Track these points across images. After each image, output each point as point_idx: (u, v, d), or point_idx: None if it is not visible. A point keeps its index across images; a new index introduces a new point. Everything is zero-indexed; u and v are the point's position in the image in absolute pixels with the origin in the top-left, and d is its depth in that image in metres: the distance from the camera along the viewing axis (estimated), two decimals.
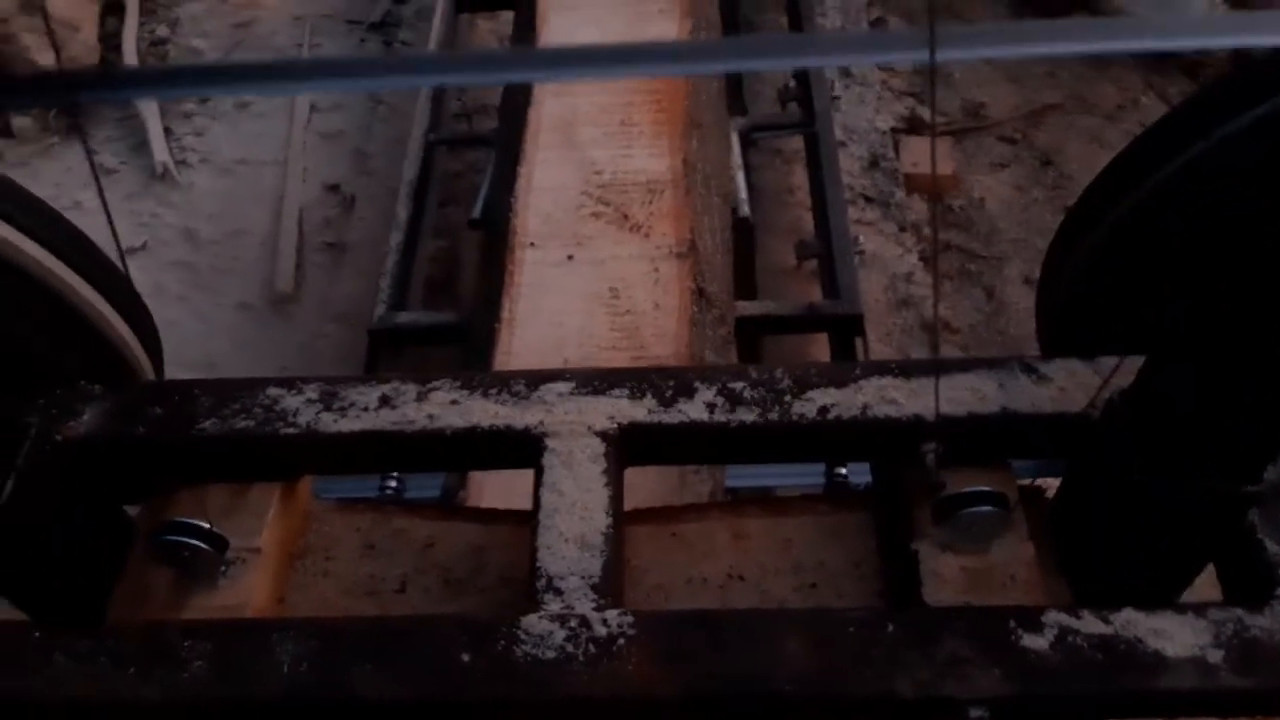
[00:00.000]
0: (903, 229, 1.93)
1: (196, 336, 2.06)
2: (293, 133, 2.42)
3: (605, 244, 1.47)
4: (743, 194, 1.79)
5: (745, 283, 1.78)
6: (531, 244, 1.48)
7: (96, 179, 0.86)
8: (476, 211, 1.77)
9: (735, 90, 2.09)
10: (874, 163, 2.03)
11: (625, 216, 1.50)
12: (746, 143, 1.93)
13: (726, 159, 1.81)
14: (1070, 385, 0.93)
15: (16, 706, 0.84)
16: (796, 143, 2.05)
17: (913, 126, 2.17)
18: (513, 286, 1.42)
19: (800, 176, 1.99)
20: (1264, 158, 0.88)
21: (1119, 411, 0.87)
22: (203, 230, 2.30)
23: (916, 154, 2.09)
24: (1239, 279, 0.76)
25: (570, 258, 1.45)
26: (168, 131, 2.53)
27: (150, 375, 1.09)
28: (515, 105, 1.72)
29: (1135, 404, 0.86)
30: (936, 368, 0.92)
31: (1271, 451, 0.84)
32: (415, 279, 1.86)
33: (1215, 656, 0.78)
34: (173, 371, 1.24)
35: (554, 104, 1.68)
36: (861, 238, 1.89)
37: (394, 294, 1.78)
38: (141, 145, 2.48)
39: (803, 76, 1.95)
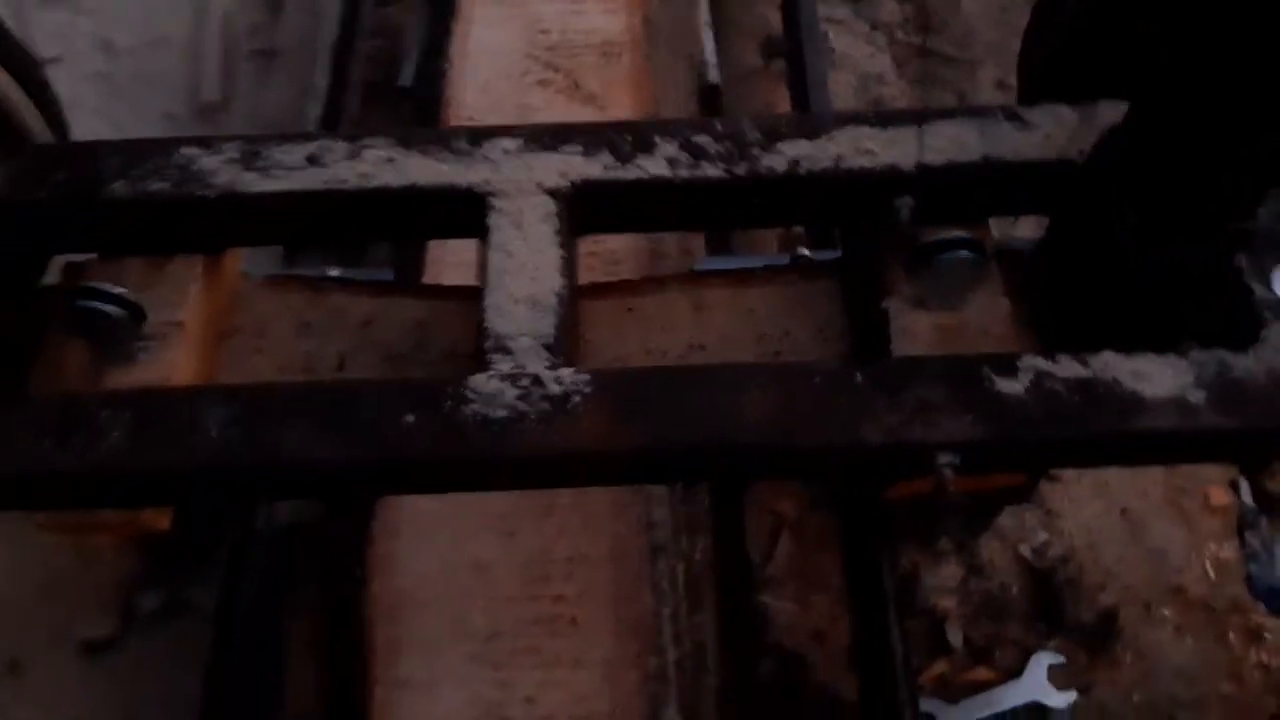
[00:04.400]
0: (874, 27, 1.82)
1: None
2: None
3: (553, 116, 1.26)
4: (711, 57, 1.58)
5: None
6: (470, 118, 1.27)
7: None
8: (406, 79, 1.55)
9: None
10: None
11: (576, 85, 1.30)
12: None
13: (691, 14, 1.61)
14: (1057, 132, 0.87)
15: None
16: None
17: None
18: None
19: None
20: None
21: (1108, 153, 0.82)
22: (120, 39, 2.11)
23: None
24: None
25: None
26: None
27: (44, 132, 0.98)
28: None
29: (1124, 145, 0.80)
30: (919, 117, 0.85)
31: (1264, 190, 0.79)
32: None
33: (1197, 397, 0.75)
34: None
35: None
36: (831, 35, 1.78)
37: None
38: None
39: None
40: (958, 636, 1.27)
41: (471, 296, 0.92)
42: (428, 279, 1.23)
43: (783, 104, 1.77)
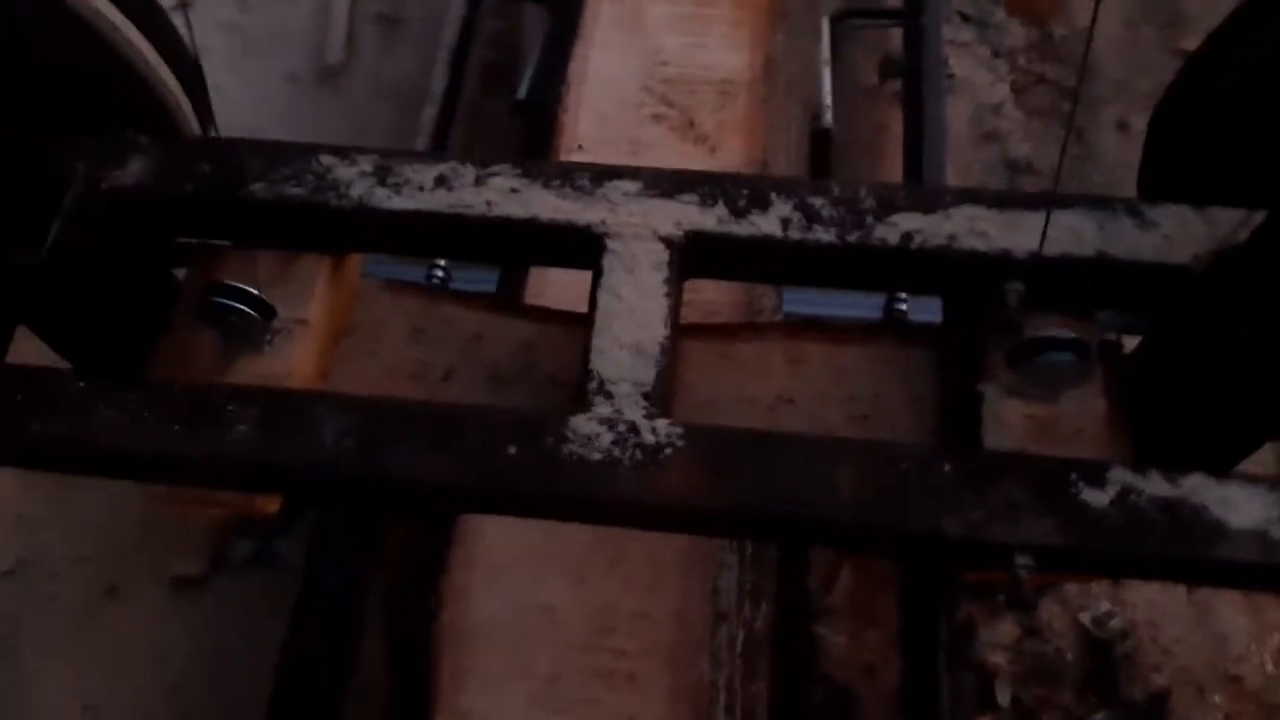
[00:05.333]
0: (997, 54, 1.78)
1: (243, 104, 1.99)
2: None
3: (664, 155, 1.26)
4: (827, 99, 1.56)
5: None
6: (580, 147, 1.27)
7: None
8: (521, 92, 1.54)
9: None
10: None
11: (691, 123, 1.29)
12: (837, 32, 1.66)
13: (813, 52, 1.57)
14: (1177, 234, 0.86)
15: (58, 452, 0.84)
16: None
17: None
18: None
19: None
20: None
21: (1230, 267, 0.81)
22: None
23: None
24: None
25: None
26: None
27: (195, 126, 1.04)
28: None
29: (1251, 261, 0.80)
30: (1049, 201, 0.85)
31: None
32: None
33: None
34: None
35: None
36: (952, 60, 1.75)
37: None
38: None
39: None
40: (1006, 695, 1.29)
41: (576, 322, 0.96)
42: (532, 281, 1.26)
43: (895, 125, 1.75)
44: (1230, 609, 1.36)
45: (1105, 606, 1.36)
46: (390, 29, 2.06)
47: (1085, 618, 1.35)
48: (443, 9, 1.83)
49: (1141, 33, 1.94)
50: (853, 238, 0.89)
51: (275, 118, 1.99)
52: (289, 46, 2.06)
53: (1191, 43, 1.90)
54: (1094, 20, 0.75)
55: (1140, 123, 1.50)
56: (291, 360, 0.93)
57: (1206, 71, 0.91)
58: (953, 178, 1.59)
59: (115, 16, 0.96)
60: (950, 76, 1.73)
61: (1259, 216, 0.83)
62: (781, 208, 0.91)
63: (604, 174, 0.93)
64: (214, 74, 2.07)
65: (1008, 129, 1.72)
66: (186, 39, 1.04)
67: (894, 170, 1.66)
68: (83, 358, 0.98)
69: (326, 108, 1.97)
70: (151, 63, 1.01)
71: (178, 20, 1.03)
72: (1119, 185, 1.68)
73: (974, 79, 1.78)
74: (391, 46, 2.03)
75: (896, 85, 1.74)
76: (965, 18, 1.84)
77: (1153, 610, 1.36)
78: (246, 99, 2.01)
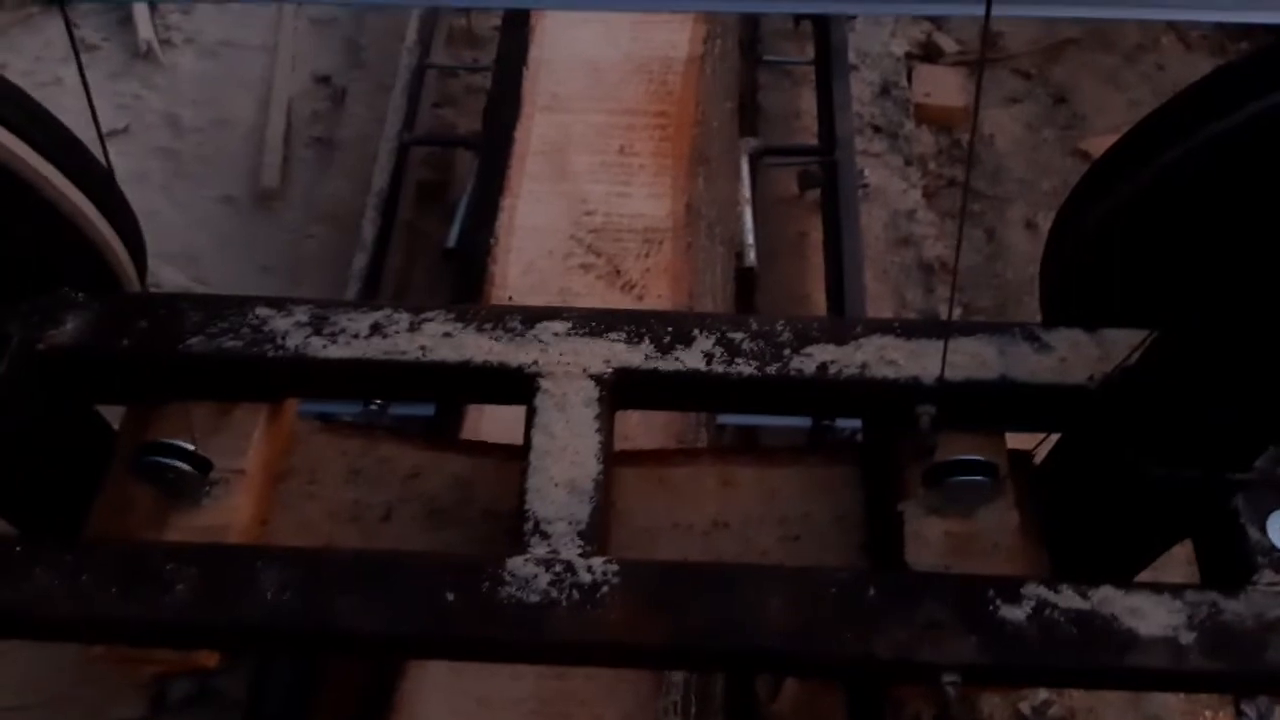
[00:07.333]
0: (909, 163, 1.89)
1: (179, 228, 2.01)
2: (282, 17, 2.31)
3: (593, 303, 1.28)
4: (749, 238, 1.63)
5: None
6: (510, 298, 1.29)
7: (78, 58, 0.81)
8: (451, 239, 1.61)
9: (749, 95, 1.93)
10: (885, 90, 1.97)
11: (618, 272, 1.31)
12: (755, 169, 1.74)
13: (734, 192, 1.63)
14: (1071, 356, 0.92)
15: None
16: (807, 64, 1.98)
17: (928, 53, 2.10)
18: None
19: (808, 100, 1.93)
20: None
21: (1118, 387, 0.87)
22: (186, 116, 2.22)
23: (929, 83, 2.02)
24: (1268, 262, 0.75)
25: None
26: (152, 8, 2.42)
27: (134, 279, 1.06)
28: (501, 119, 1.51)
29: (1136, 381, 0.86)
30: (946, 331, 0.91)
31: (1264, 442, 0.84)
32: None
33: (1187, 638, 0.79)
34: (154, 263, 1.20)
35: (545, 122, 1.47)
36: (867, 170, 1.85)
37: None
38: (125, 21, 2.37)
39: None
40: None
41: (510, 454, 0.98)
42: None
43: (815, 232, 1.84)
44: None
45: (1044, 695, 1.39)
46: (325, 151, 2.11)
47: (1025, 707, 1.38)
48: (376, 131, 1.89)
49: (1043, 135, 2.06)
50: (772, 369, 0.93)
51: (212, 241, 2.01)
52: (224, 170, 2.10)
53: (1090, 143, 2.03)
54: (974, 128, 0.81)
55: (1046, 221, 1.59)
56: (231, 511, 0.94)
57: (1090, 201, 0.98)
58: (872, 281, 1.66)
59: (49, 172, 0.97)
60: (865, 186, 1.83)
61: (1148, 336, 0.89)
62: (704, 343, 0.95)
63: (535, 315, 0.97)
64: (150, 199, 2.10)
65: (922, 233, 1.81)
66: (111, 167, 1.06)
67: (816, 274, 1.73)
68: (22, 516, 0.98)
69: (262, 230, 2.00)
70: (92, 220, 1.03)
71: (115, 144, 1.04)
72: (1029, 282, 1.78)
73: (888, 187, 1.88)
74: (326, 168, 2.07)
75: (815, 194, 1.83)
76: (877, 129, 1.94)
77: (1089, 696, 1.40)
78: (183, 223, 2.03)
